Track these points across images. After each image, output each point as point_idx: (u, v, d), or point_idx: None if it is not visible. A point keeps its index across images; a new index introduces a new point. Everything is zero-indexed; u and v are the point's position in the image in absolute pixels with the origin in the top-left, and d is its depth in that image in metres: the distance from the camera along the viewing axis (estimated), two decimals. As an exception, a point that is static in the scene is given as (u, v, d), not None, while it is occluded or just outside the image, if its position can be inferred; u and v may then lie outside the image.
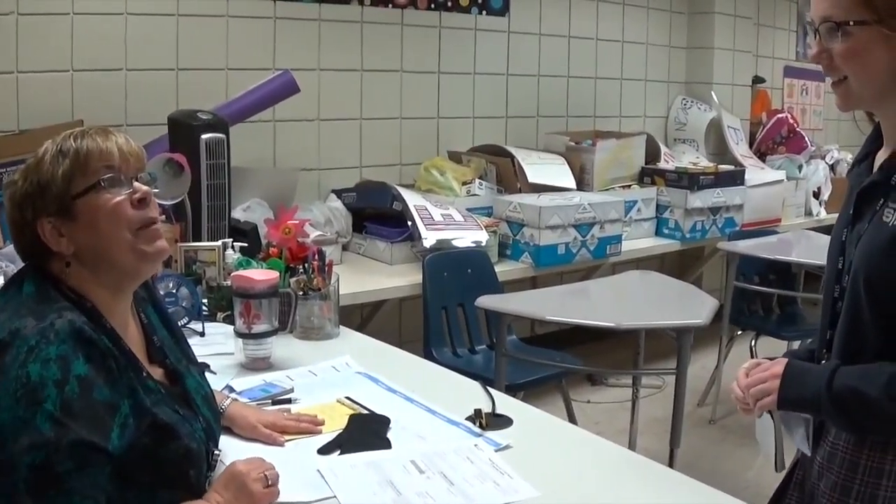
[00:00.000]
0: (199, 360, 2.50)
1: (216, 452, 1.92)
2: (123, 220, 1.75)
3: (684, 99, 6.66)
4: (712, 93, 6.59)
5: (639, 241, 5.38)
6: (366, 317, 4.48)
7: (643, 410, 4.50)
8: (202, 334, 2.93)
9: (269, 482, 1.80)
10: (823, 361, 1.85)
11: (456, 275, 4.27)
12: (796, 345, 4.61)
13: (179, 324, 2.81)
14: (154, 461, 1.70)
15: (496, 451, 2.08)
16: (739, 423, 4.82)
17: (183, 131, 3.75)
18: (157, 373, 1.85)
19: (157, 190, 1.85)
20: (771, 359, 1.92)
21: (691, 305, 3.69)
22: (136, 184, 1.78)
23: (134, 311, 1.91)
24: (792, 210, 6.29)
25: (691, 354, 3.54)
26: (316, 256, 2.99)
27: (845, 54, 1.68)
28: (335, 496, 1.87)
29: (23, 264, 1.81)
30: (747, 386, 1.89)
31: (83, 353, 1.61)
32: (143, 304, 1.96)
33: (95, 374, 1.62)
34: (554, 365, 4.05)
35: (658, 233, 5.55)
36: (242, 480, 1.78)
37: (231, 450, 2.08)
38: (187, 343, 2.08)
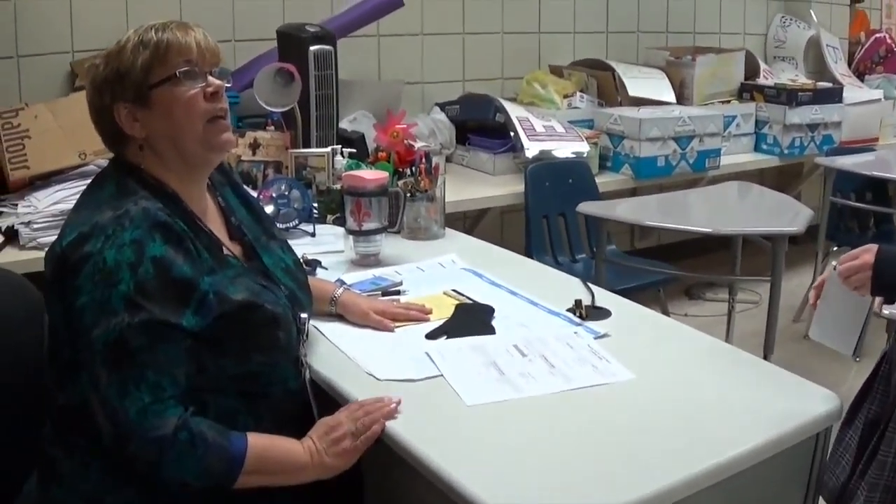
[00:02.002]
0: (311, 258, 2.65)
1: (303, 316, 2.02)
2: (196, 111, 1.84)
3: (783, 17, 6.55)
4: (811, 11, 6.46)
5: (738, 156, 5.35)
6: (469, 227, 4.55)
7: (739, 325, 4.53)
8: (313, 234, 3.05)
9: (361, 434, 1.79)
10: None
11: (557, 185, 4.32)
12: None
13: (291, 224, 2.96)
14: (242, 329, 1.82)
15: (595, 338, 2.16)
16: (834, 339, 4.82)
17: (292, 43, 3.83)
18: (236, 250, 1.97)
19: (228, 84, 1.93)
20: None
21: (787, 215, 3.72)
22: (210, 78, 1.86)
23: (212, 193, 2.02)
24: (890, 130, 6.17)
25: (788, 271, 3.56)
26: (423, 159, 3.07)
27: None
28: (442, 375, 1.98)
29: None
30: (839, 274, 1.94)
31: (159, 236, 1.72)
32: (220, 187, 2.07)
33: (174, 253, 1.73)
34: (652, 271, 4.10)
35: (757, 148, 5.51)
36: (334, 436, 1.80)
37: (344, 335, 2.22)
38: (270, 221, 2.19)
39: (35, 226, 3.05)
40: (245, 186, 2.20)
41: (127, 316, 1.66)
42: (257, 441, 1.74)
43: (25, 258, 2.88)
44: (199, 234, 1.84)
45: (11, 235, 3.07)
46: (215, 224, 1.97)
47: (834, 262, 2.03)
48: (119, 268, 1.68)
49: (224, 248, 1.91)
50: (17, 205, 3.17)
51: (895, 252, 1.90)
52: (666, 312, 4.24)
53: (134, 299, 1.67)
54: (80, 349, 1.71)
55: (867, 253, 1.92)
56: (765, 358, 3.54)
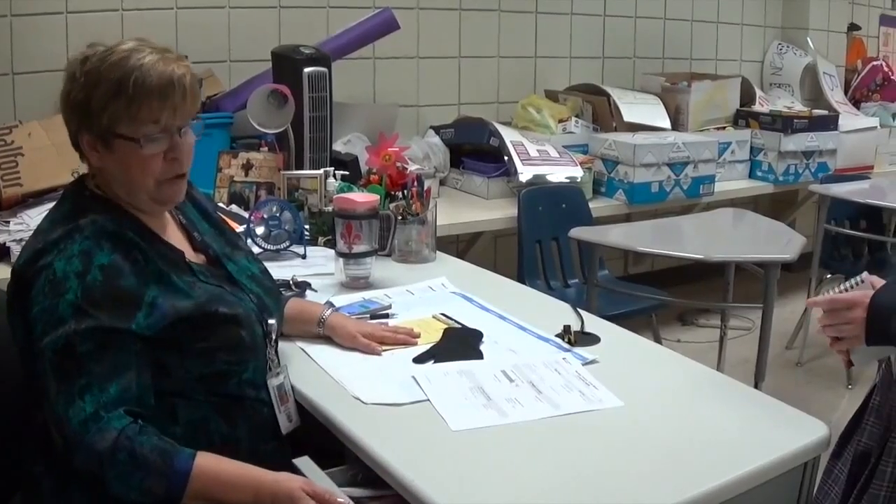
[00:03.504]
0: (301, 279, 2.65)
1: (271, 322, 2.02)
2: (151, 171, 1.84)
3: (780, 44, 6.58)
4: (808, 38, 6.49)
5: (732, 183, 5.34)
6: (461, 250, 4.54)
7: (732, 351, 4.53)
8: (304, 256, 3.04)
9: None
10: None
11: (550, 210, 4.32)
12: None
13: (282, 246, 2.96)
14: (201, 330, 1.83)
15: (583, 364, 2.16)
16: (826, 367, 4.82)
17: (286, 65, 3.83)
18: (200, 259, 1.98)
19: (196, 139, 1.92)
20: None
21: (780, 242, 3.71)
22: (175, 139, 1.85)
23: (172, 211, 2.02)
24: (885, 157, 6.17)
25: (781, 298, 3.57)
26: (415, 183, 3.07)
27: None
28: (428, 399, 1.97)
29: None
30: (830, 324, 1.89)
31: (108, 245, 1.75)
32: (181, 204, 2.05)
33: (121, 262, 1.75)
34: (645, 297, 4.09)
35: (752, 175, 5.50)
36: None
37: (331, 357, 2.21)
38: (234, 234, 2.20)
39: (25, 243, 3.03)
40: (220, 203, 2.20)
41: (74, 323, 1.68)
42: (205, 463, 1.70)
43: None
44: (154, 245, 1.85)
45: (3, 252, 3.06)
46: (177, 238, 1.98)
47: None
48: (67, 277, 1.71)
49: (186, 257, 1.92)
50: (9, 222, 3.17)
51: (888, 303, 1.81)
52: (658, 338, 4.24)
53: (81, 306, 1.69)
54: (35, 359, 1.72)
55: (859, 308, 1.84)
56: (756, 385, 3.54)
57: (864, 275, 1.91)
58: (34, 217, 3.12)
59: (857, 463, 1.97)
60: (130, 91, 1.77)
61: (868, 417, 2.00)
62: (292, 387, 2.05)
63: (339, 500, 1.67)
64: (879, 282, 1.88)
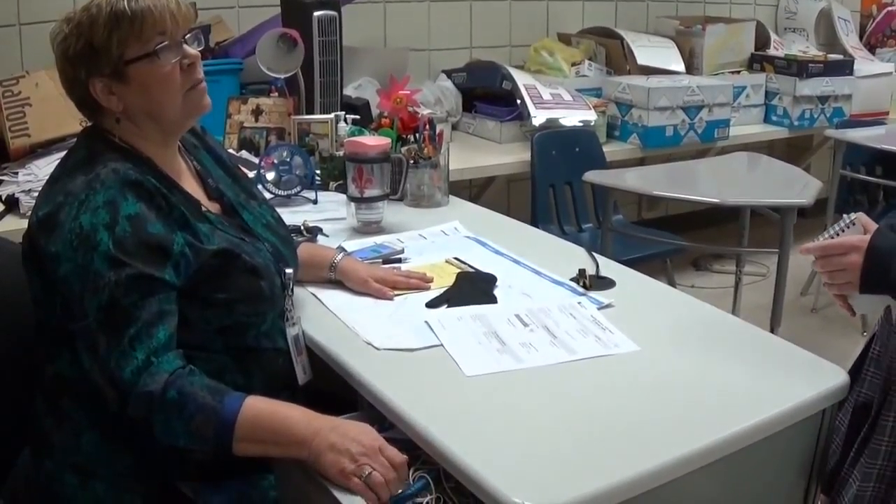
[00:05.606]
0: (312, 225, 2.63)
1: (288, 272, 2.01)
2: (174, 85, 1.82)
3: (795, -12, 6.52)
4: (823, -18, 6.43)
5: (747, 127, 5.29)
6: (475, 195, 4.53)
7: (746, 297, 4.50)
8: (315, 202, 3.01)
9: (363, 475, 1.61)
10: None
11: (564, 154, 4.29)
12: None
13: (293, 192, 2.94)
14: (222, 279, 1.81)
15: (598, 308, 2.13)
16: (841, 314, 4.76)
17: (295, 9, 3.79)
18: (215, 208, 1.96)
19: (202, 47, 1.91)
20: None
21: (796, 187, 3.67)
22: (185, 48, 1.83)
23: (186, 157, 2.01)
24: (900, 103, 6.13)
25: (796, 243, 3.53)
26: (427, 126, 3.03)
27: None
28: (441, 344, 1.95)
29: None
30: (824, 270, 1.84)
31: (131, 194, 1.72)
32: (195, 150, 2.05)
33: (147, 210, 1.73)
34: (659, 241, 4.07)
35: (766, 119, 5.45)
36: (344, 447, 1.64)
37: (343, 302, 2.20)
38: (248, 180, 2.18)
39: (36, 194, 3.00)
40: (230, 150, 2.17)
41: (112, 274, 1.66)
42: (255, 404, 1.69)
43: (26, 227, 2.84)
44: (173, 192, 1.83)
45: (12, 204, 3.04)
46: (192, 186, 1.95)
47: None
48: (96, 230, 1.68)
49: (202, 206, 1.89)
50: (17, 173, 3.15)
51: (887, 249, 1.75)
52: (672, 283, 4.22)
53: (116, 257, 1.67)
54: (74, 319, 1.71)
55: (855, 252, 1.77)
56: (771, 331, 3.51)
57: (855, 215, 1.85)
58: (43, 168, 3.09)
59: (857, 413, 1.93)
60: (128, 12, 1.75)
61: (868, 367, 1.97)
62: (304, 334, 2.03)
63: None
64: (871, 224, 1.84)
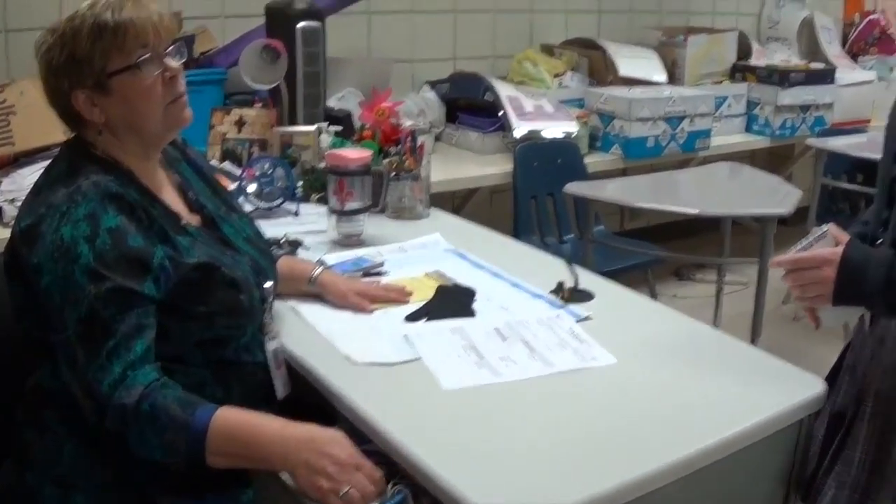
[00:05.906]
0: (293, 237, 2.63)
1: (267, 286, 2.01)
2: (156, 98, 1.83)
3: (777, -3, 6.55)
4: (805, -8, 6.47)
5: (729, 137, 5.32)
6: (457, 206, 4.52)
7: (728, 306, 4.53)
8: (296, 214, 3.02)
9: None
10: (879, 242, 1.84)
11: (546, 165, 4.30)
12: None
13: (274, 203, 2.94)
14: (202, 293, 1.82)
15: (577, 321, 2.14)
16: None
17: (279, 20, 3.79)
18: (195, 221, 1.96)
19: (184, 60, 1.92)
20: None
21: (776, 197, 3.69)
22: (167, 61, 1.84)
23: (167, 170, 2.01)
24: (882, 111, 6.09)
25: (777, 252, 3.55)
26: (408, 138, 3.04)
27: None
28: (420, 358, 1.95)
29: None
30: (795, 284, 1.85)
31: (112, 207, 1.73)
32: (176, 163, 2.05)
33: (127, 223, 1.74)
34: (640, 252, 4.09)
35: (748, 129, 5.48)
36: (319, 465, 1.62)
37: (322, 316, 2.20)
38: (228, 194, 2.18)
39: (19, 203, 3.00)
40: (212, 161, 2.17)
41: (92, 287, 1.67)
42: (227, 416, 1.68)
43: (8, 237, 2.84)
44: (154, 205, 1.84)
45: (-5, 213, 3.03)
46: (172, 198, 1.96)
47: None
48: (76, 243, 1.68)
49: (182, 219, 1.90)
50: (0, 182, 3.14)
51: (859, 261, 1.76)
52: (654, 294, 4.24)
53: (96, 270, 1.68)
54: (55, 330, 1.71)
55: (828, 266, 1.78)
56: (752, 340, 3.55)
57: (826, 226, 1.85)
58: (27, 177, 3.09)
59: (833, 421, 1.94)
60: (111, 24, 1.75)
61: (843, 376, 1.98)
62: (284, 347, 2.03)
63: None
64: (843, 235, 1.85)
